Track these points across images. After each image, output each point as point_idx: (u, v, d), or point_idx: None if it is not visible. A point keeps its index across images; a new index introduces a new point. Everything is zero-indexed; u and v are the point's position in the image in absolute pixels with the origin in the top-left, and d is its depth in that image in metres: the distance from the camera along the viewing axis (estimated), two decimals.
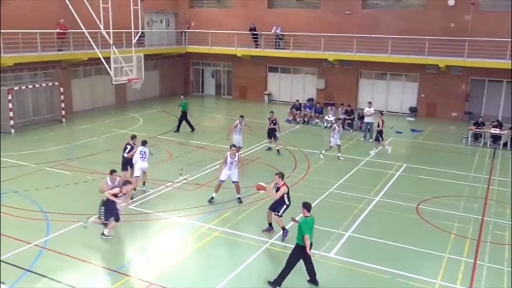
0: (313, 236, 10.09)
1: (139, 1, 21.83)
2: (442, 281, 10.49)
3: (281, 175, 12.26)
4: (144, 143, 15.09)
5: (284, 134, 23.54)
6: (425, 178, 17.52)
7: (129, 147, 15.22)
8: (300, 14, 31.70)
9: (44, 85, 25.02)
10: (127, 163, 15.28)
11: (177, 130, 23.47)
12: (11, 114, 22.80)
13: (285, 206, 12.09)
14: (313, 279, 10.22)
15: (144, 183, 15.46)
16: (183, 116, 23.66)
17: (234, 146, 15.02)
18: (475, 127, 22.71)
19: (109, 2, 19.32)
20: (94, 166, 17.68)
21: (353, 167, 18.50)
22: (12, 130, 22.81)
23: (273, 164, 18.38)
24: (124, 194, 12.10)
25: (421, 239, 12.43)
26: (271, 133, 20.31)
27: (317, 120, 26.36)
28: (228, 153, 14.36)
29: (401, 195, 15.51)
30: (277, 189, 12.19)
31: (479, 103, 27.46)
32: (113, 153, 19.55)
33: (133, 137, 15.66)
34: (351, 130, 24.80)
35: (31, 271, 10.39)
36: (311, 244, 9.91)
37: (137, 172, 14.89)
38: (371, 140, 22.43)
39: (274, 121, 20.23)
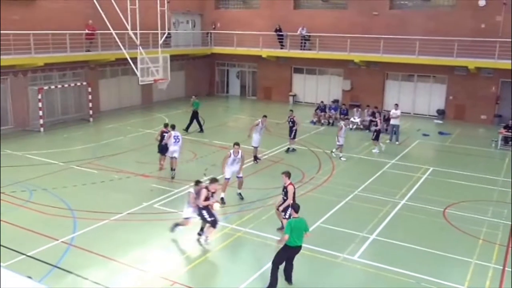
0: (302, 239, 9.82)
1: (166, 2, 22.04)
2: (469, 287, 10.27)
3: (288, 174, 12.22)
4: (174, 127, 16.98)
5: (308, 135, 23.45)
6: (452, 181, 17.21)
7: (165, 134, 16.87)
8: (326, 14, 31.54)
9: (72, 85, 25.50)
10: (164, 149, 16.99)
11: (186, 129, 23.27)
12: (40, 113, 23.28)
13: (290, 209, 11.54)
14: (288, 278, 10.13)
15: (173, 169, 16.69)
16: (194, 116, 23.62)
17: (255, 147, 15.36)
18: (505, 130, 22.19)
19: (137, 3, 19.56)
20: (120, 165, 17.91)
21: (378, 169, 18.30)
22: (42, 129, 23.28)
23: (297, 166, 18.31)
24: (213, 192, 11.68)
25: (447, 244, 12.20)
26: (290, 132, 20.41)
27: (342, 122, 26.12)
28: (231, 151, 14.55)
29: (427, 198, 15.26)
30: (284, 189, 12.13)
31: (509, 105, 26.74)
32: (139, 153, 19.84)
33: (166, 125, 17.36)
34: None
35: (58, 267, 10.57)
36: (299, 247, 9.83)
37: (169, 154, 16.69)
38: (397, 143, 22.18)
39: (292, 120, 20.27)
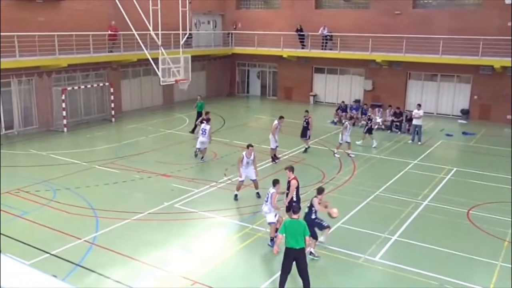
0: (303, 242, 9.41)
1: (187, 3, 22.12)
2: None
3: (291, 169, 12.73)
4: (207, 120, 19.15)
5: (329, 135, 23.32)
6: (476, 182, 16.92)
7: (204, 122, 19.16)
8: (348, 14, 31.33)
9: (95, 85, 25.81)
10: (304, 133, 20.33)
11: (193, 131, 23.03)
12: (64, 113, 23.62)
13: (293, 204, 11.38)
14: (304, 282, 9.64)
15: (202, 158, 18.59)
16: (198, 117, 22.70)
17: (274, 148, 17.11)
18: None
19: (159, 4, 19.69)
20: (142, 165, 18.05)
21: (400, 170, 18.09)
22: (65, 129, 23.61)
23: (318, 166, 18.23)
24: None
25: (472, 246, 11.99)
26: (304, 132, 20.39)
27: (363, 122, 25.92)
28: (244, 153, 14.65)
29: (450, 199, 15.02)
30: (288, 183, 12.43)
31: None
32: (160, 153, 19.98)
33: (207, 113, 20.26)
34: (399, 132, 24.28)
35: (81, 266, 10.70)
36: (298, 250, 9.37)
37: (197, 144, 18.72)
38: (419, 143, 21.91)
39: (307, 121, 20.29)
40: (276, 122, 18.81)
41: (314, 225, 11.19)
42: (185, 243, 12.17)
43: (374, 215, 13.87)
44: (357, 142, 21.59)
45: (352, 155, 19.62)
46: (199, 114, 23.08)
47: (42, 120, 23.86)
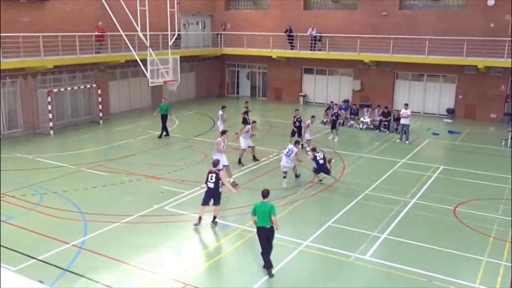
0: (269, 221, 10.43)
1: (175, 3, 22.05)
2: (480, 285, 10.21)
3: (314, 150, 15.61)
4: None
5: (319, 135, 23.38)
6: (463, 180, 17.12)
7: (244, 110, 21.93)
8: (336, 15, 31.49)
9: (82, 87, 25.60)
10: (245, 121, 21.89)
11: (167, 134, 22.82)
12: (50, 116, 23.39)
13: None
14: (267, 264, 10.70)
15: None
16: (163, 120, 22.60)
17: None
18: None
19: (146, 4, 19.60)
20: (131, 167, 17.96)
21: (389, 169, 18.21)
22: (51, 132, 23.39)
23: (307, 166, 18.25)
24: None
25: (458, 242, 12.15)
26: (296, 132, 20.43)
27: (352, 122, 26.06)
28: (220, 139, 15.69)
29: (438, 197, 15.17)
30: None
31: None
32: (150, 154, 19.89)
33: (247, 102, 23.16)
34: (387, 132, 24.43)
35: (69, 271, 10.58)
36: (267, 228, 10.50)
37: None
38: (407, 142, 22.07)
39: (299, 120, 20.43)
40: (248, 127, 18.62)
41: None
42: (175, 246, 12.12)
43: (364, 213, 13.95)
44: (329, 138, 22.67)
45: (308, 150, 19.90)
46: (164, 117, 22.65)
47: (28, 123, 23.56)
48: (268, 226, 10.50)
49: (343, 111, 26.87)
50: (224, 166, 15.31)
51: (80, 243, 11.91)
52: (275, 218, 10.48)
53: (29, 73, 23.28)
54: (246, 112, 22.86)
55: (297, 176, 16.76)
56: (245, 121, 22.42)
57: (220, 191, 12.73)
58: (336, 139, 22.43)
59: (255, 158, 18.88)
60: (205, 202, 12.78)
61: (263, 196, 10.80)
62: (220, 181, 12.57)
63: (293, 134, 20.50)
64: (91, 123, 25.94)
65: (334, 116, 22.86)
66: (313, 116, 20.70)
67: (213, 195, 12.68)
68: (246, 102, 25.10)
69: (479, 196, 15.44)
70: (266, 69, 34.82)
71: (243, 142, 18.36)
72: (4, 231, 12.52)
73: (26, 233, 12.42)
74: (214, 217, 12.96)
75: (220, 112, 21.66)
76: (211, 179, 12.57)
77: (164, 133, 22.76)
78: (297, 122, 20.49)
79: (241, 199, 14.72)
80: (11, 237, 12.10)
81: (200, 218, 12.89)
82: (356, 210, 14.20)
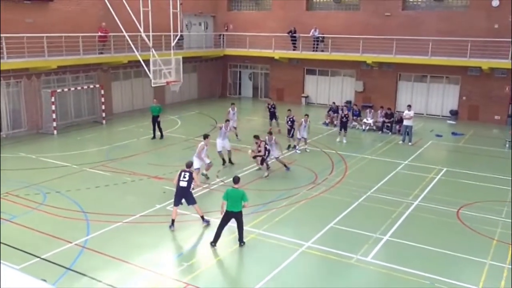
0: (239, 206, 11.49)
1: (178, 4, 22.09)
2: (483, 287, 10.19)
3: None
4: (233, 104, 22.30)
5: (321, 136, 23.39)
6: (466, 182, 17.06)
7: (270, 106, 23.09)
8: (339, 16, 31.48)
9: (85, 87, 25.67)
10: (272, 117, 23.64)
11: (161, 136, 22.51)
12: (53, 115, 23.46)
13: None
14: (239, 239, 11.86)
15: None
16: (154, 121, 22.32)
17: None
18: None
19: (149, 5, 19.63)
20: (133, 167, 17.99)
21: (391, 170, 18.18)
22: (55, 132, 23.45)
23: (310, 167, 18.27)
24: None
25: (461, 245, 12.10)
26: (289, 131, 20.94)
27: (355, 123, 26.03)
28: (202, 143, 15.96)
29: (441, 199, 15.13)
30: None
31: None
32: (152, 155, 19.93)
33: (270, 98, 23.64)
34: (390, 133, 24.38)
35: (72, 270, 10.62)
36: (236, 212, 11.51)
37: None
38: (410, 144, 22.04)
39: (292, 119, 20.79)
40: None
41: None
42: (177, 245, 12.14)
43: (366, 215, 13.93)
44: (337, 140, 22.54)
45: (308, 150, 20.37)
46: (155, 118, 22.43)
47: (31, 122, 23.66)
48: (236, 211, 11.47)
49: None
50: (195, 169, 15.21)
51: (82, 242, 11.94)
52: (247, 203, 11.62)
53: (33, 73, 23.35)
54: (273, 107, 23.92)
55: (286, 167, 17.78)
56: (272, 116, 23.68)
57: (191, 190, 12.82)
58: (344, 141, 22.32)
59: (230, 161, 18.58)
60: (177, 203, 12.75)
61: (234, 182, 11.66)
62: (193, 180, 12.68)
63: (288, 133, 21.03)
64: (94, 123, 25.99)
65: (344, 117, 22.56)
66: (306, 115, 20.69)
67: (184, 195, 12.65)
68: (270, 97, 26.66)
69: (483, 198, 15.37)
70: (268, 70, 34.82)
71: (219, 143, 18.19)
72: (8, 230, 12.57)
73: (30, 232, 12.46)
74: (202, 217, 12.93)
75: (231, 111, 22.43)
76: (184, 177, 12.57)
77: (160, 135, 22.45)
78: (289, 122, 20.86)
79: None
80: (14, 236, 12.15)
81: (173, 220, 12.78)
82: (358, 212, 14.18)
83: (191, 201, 12.82)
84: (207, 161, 16.22)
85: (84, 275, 10.40)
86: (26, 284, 4.22)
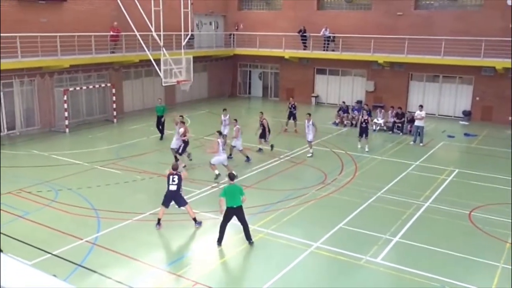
0: (239, 201, 11.57)
1: (189, 4, 22.14)
2: None
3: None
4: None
5: (331, 136, 23.33)
6: (478, 184, 16.89)
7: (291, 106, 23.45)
8: (350, 15, 31.37)
9: (97, 86, 25.86)
10: (291, 116, 23.94)
11: (161, 137, 22.40)
12: (66, 114, 23.65)
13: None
14: (247, 237, 11.87)
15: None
16: (158, 121, 22.41)
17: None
18: None
19: (160, 5, 19.71)
20: (143, 166, 18.08)
21: (402, 171, 18.07)
22: (67, 130, 23.65)
23: (319, 167, 18.23)
24: None
25: (473, 247, 11.98)
26: (262, 133, 20.24)
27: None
28: (219, 139, 16.53)
29: (452, 201, 15.01)
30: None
31: None
32: (162, 153, 20.00)
33: (292, 98, 24.20)
34: (401, 134, 24.25)
35: (82, 266, 10.71)
36: (236, 208, 11.59)
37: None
38: (421, 144, 21.88)
39: (261, 123, 20.18)
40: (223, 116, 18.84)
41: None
42: (186, 244, 12.19)
43: (376, 216, 13.86)
44: (359, 147, 20.99)
45: (309, 155, 19.79)
46: (159, 119, 22.48)
47: (44, 120, 23.90)
48: (236, 206, 11.57)
49: (356, 112, 26.73)
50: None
51: (93, 239, 12.04)
52: (245, 197, 11.76)
53: (46, 72, 23.59)
54: (294, 106, 24.26)
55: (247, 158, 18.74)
56: (291, 116, 24.12)
57: (181, 192, 12.81)
58: (366, 149, 20.58)
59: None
60: (166, 205, 12.73)
61: (230, 179, 11.94)
62: (182, 183, 12.75)
63: (263, 136, 20.22)
64: (105, 122, 26.17)
65: (364, 123, 20.73)
66: (308, 114, 20.30)
67: (174, 197, 12.65)
68: (292, 97, 26.20)
69: (496, 200, 15.19)
70: (278, 69, 34.79)
71: (215, 158, 16.78)
72: (21, 226, 12.75)
73: (42, 228, 12.60)
74: (194, 219, 12.85)
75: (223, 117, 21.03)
76: (173, 180, 12.54)
77: (162, 135, 22.45)
78: (261, 126, 20.14)
79: (251, 199, 14.68)
80: (27, 232, 12.30)
81: (159, 219, 12.77)
82: (368, 213, 14.12)
83: (181, 203, 12.80)
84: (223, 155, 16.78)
85: (94, 271, 10.48)
86: (37, 280, 4.26)
